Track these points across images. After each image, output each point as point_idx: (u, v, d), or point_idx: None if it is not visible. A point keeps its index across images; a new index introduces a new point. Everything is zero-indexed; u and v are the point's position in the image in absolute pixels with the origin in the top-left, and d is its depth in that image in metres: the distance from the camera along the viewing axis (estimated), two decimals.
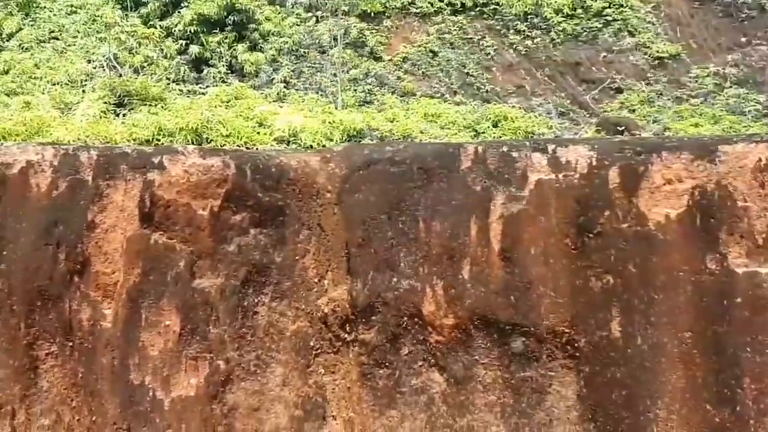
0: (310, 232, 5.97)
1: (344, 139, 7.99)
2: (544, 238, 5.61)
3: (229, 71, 9.90)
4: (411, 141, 6.72)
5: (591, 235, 5.56)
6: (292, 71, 9.83)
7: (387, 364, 5.77)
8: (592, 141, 5.80)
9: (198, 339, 5.66)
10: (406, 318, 5.75)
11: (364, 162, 6.00)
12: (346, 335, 5.89)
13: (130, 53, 9.88)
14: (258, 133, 8.15)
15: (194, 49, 9.90)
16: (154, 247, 5.69)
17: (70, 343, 5.55)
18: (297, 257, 5.92)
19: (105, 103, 8.56)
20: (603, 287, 5.54)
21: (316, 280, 5.93)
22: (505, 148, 5.80)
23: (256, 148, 7.44)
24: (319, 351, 5.87)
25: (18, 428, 5.45)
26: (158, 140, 7.60)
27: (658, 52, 10.28)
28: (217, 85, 9.42)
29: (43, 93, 8.94)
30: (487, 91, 9.49)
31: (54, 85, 9.14)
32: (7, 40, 10.17)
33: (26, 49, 10.03)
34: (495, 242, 5.65)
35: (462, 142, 6.59)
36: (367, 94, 9.42)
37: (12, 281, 5.51)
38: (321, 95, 9.37)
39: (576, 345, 5.56)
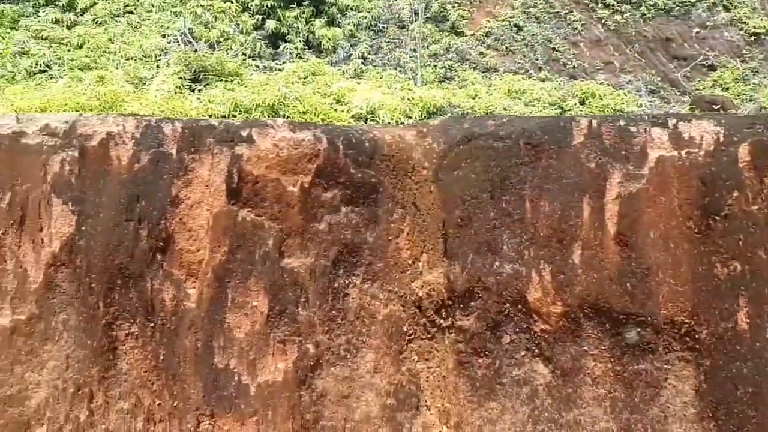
0: (405, 211, 5.31)
1: (423, 116, 7.29)
2: (665, 220, 4.88)
3: (305, 47, 9.17)
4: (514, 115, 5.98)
5: (717, 218, 4.82)
6: (370, 47, 9.10)
7: (486, 352, 5.10)
8: (717, 116, 5.03)
9: (286, 321, 5.05)
10: (508, 305, 5.07)
11: (463, 137, 5.31)
12: (441, 321, 5.23)
13: (205, 28, 9.26)
14: (335, 110, 7.50)
15: (271, 24, 9.23)
16: (241, 224, 5.08)
17: (152, 324, 4.97)
18: (390, 237, 5.26)
19: (180, 78, 7.96)
20: (729, 275, 4.81)
21: (410, 262, 5.28)
22: (621, 123, 5.06)
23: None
24: (413, 337, 5.22)
25: (96, 411, 4.90)
26: (234, 116, 7.01)
27: (754, 27, 9.36)
28: (293, 61, 8.74)
29: (117, 68, 8.40)
30: (573, 67, 8.70)
31: (128, 59, 8.58)
32: (81, 15, 9.63)
33: (100, 23, 9.47)
34: (610, 224, 4.93)
35: (574, 115, 5.85)
36: (448, 70, 8.66)
37: (91, 258, 4.95)
38: (399, 71, 8.62)
39: (696, 337, 4.84)
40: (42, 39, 9.23)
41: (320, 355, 5.07)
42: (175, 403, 4.95)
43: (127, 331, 4.98)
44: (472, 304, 5.14)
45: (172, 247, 5.05)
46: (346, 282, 5.23)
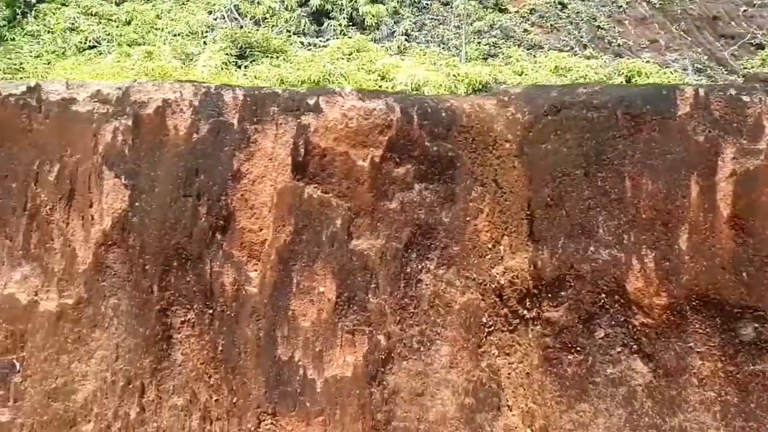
0: (484, 189, 4.60)
1: (469, 92, 6.57)
2: None
3: (349, 24, 8.54)
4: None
5: None
6: (414, 24, 8.48)
7: (578, 348, 4.38)
8: None
9: (355, 309, 4.38)
10: (604, 295, 4.35)
11: (551, 106, 4.58)
12: (525, 312, 4.52)
13: (251, 4, 8.64)
14: (380, 86, 6.83)
15: (315, 0, 8.60)
16: (307, 201, 4.41)
17: (210, 311, 4.33)
18: (468, 218, 4.56)
19: (226, 54, 7.43)
20: None
21: (489, 246, 4.57)
22: (732, 91, 4.31)
23: None
24: (493, 329, 4.52)
25: (147, 407, 4.28)
26: None
27: None
28: (337, 38, 8.13)
29: (164, 44, 7.82)
30: (618, 45, 8.07)
31: (175, 35, 8.04)
32: None
33: (148, 0, 8.86)
34: (723, 206, 4.19)
35: (677, 83, 5.09)
36: (492, 47, 8.04)
37: (145, 237, 4.32)
38: (443, 48, 7.99)
39: None
40: (91, 15, 8.76)
41: (392, 348, 4.39)
42: (234, 400, 4.30)
43: (182, 318, 4.34)
44: (562, 293, 4.42)
45: (232, 226, 4.40)
46: (420, 267, 4.54)
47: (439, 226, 4.58)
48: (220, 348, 4.31)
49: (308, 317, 4.34)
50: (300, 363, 4.29)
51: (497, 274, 4.57)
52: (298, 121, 4.48)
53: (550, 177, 4.49)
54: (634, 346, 4.32)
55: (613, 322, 4.35)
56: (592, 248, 4.37)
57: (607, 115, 4.43)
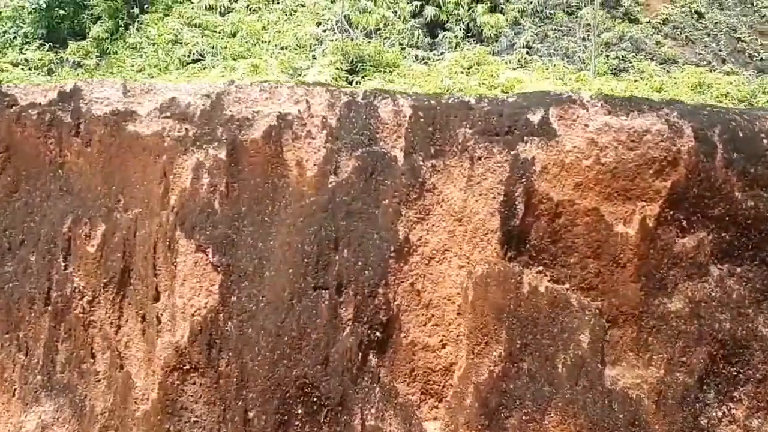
0: None
1: None
2: None
3: (466, 35, 6.61)
4: None
5: None
6: (536, 35, 6.69)
7: None
8: None
9: None
10: None
11: None
12: None
13: (362, 13, 6.76)
14: None
15: (430, 11, 7.06)
16: (529, 298, 2.14)
17: None
18: None
19: (337, 68, 5.77)
20: None
21: None
22: None
23: None
24: None
25: None
26: None
27: None
28: (452, 51, 6.35)
29: (270, 57, 6.12)
30: (761, 59, 6.35)
31: (282, 49, 6.38)
32: (235, 1, 7.34)
33: (254, 10, 7.44)
34: None
35: None
36: (621, 61, 6.32)
37: (248, 360, 2.11)
38: (567, 61, 6.16)
39: None
40: (195, 26, 7.20)
41: None
42: None
43: None
44: None
45: (396, 341, 2.15)
46: (720, 414, 2.22)
47: (754, 342, 2.25)
48: None
49: None
50: None
51: None
52: (514, 153, 2.17)
53: None
54: None
55: None
56: None
57: None
